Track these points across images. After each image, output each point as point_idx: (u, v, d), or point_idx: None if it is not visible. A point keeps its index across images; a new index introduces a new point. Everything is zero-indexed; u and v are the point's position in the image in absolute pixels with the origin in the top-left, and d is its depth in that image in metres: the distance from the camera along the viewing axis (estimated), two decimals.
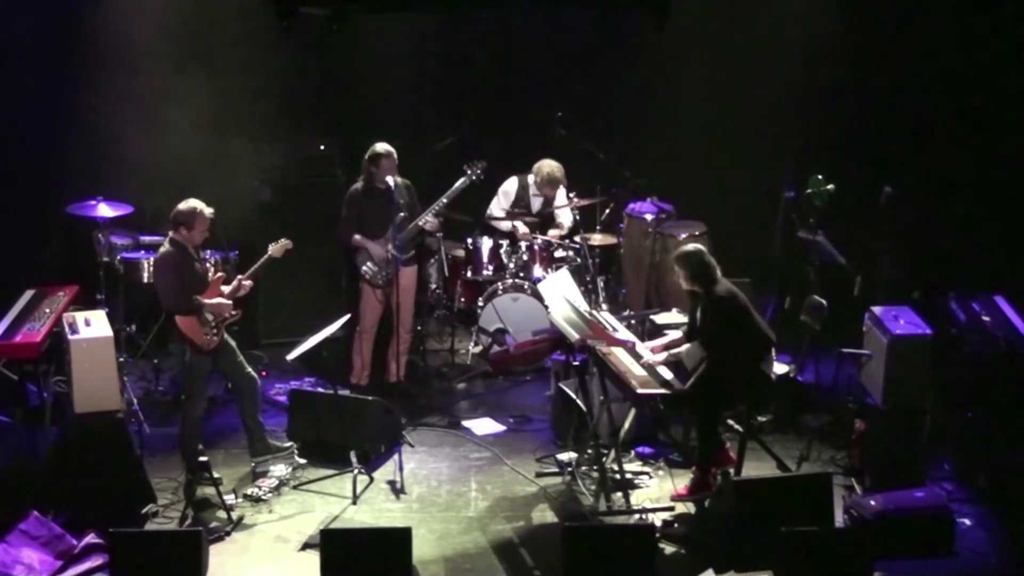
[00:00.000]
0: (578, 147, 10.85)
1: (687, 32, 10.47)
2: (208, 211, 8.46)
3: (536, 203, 10.74)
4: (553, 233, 10.69)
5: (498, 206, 10.75)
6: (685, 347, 8.06)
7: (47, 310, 8.92)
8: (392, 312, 9.57)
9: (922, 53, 10.54)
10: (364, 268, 9.75)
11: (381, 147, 9.59)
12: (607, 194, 10.77)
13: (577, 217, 10.72)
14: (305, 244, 9.68)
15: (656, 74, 11.36)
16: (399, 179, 9.60)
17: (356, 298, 9.94)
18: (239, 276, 8.73)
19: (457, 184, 9.83)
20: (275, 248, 8.85)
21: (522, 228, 10.57)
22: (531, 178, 10.67)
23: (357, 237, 9.70)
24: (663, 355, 8.19)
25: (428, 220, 9.74)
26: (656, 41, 10.66)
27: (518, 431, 9.42)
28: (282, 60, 10.59)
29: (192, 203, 8.43)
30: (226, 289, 8.59)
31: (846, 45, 10.80)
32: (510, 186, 10.74)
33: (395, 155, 9.56)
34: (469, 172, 9.88)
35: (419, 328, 10.83)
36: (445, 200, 9.81)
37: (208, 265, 9.02)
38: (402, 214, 9.53)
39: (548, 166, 10.56)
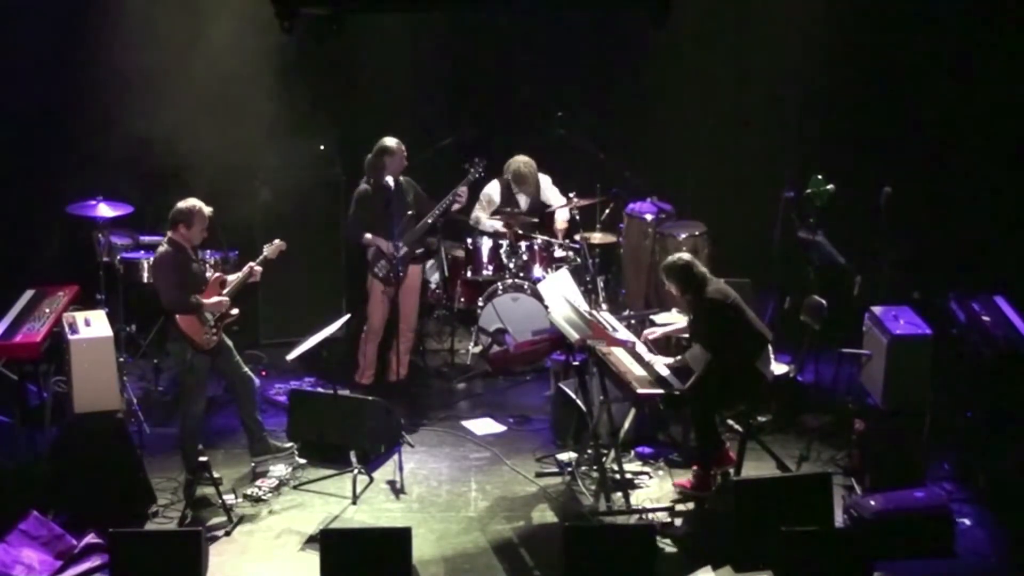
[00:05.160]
0: (578, 147, 10.84)
1: (687, 32, 10.48)
2: (207, 210, 8.47)
3: (522, 202, 10.71)
4: (560, 222, 10.65)
5: (481, 210, 10.72)
6: (690, 352, 8.09)
7: (47, 310, 8.91)
8: (397, 311, 9.57)
9: (922, 53, 10.54)
10: (377, 267, 9.74)
11: (392, 141, 9.58)
12: (607, 194, 10.76)
13: (576, 217, 10.71)
14: (305, 244, 9.68)
15: (656, 74, 11.35)
16: (400, 178, 9.61)
17: (365, 297, 9.92)
18: (250, 263, 8.73)
19: (460, 185, 9.82)
20: (270, 249, 8.86)
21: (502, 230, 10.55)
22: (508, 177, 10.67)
23: (368, 236, 9.69)
24: (664, 359, 8.21)
25: (457, 194, 9.71)
26: (656, 41, 10.70)
27: (518, 431, 9.42)
28: (282, 60, 10.58)
29: (191, 202, 8.44)
30: (234, 277, 8.59)
31: (846, 45, 10.80)
32: (492, 189, 10.70)
33: (404, 151, 9.56)
34: (471, 170, 9.87)
35: (419, 328, 10.82)
36: (449, 199, 9.80)
37: (207, 265, 9.01)
38: (409, 212, 9.53)
39: (515, 162, 10.55)
